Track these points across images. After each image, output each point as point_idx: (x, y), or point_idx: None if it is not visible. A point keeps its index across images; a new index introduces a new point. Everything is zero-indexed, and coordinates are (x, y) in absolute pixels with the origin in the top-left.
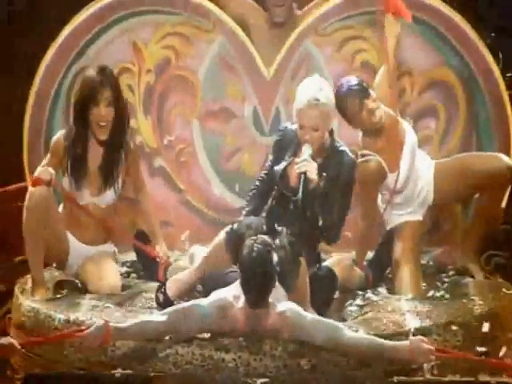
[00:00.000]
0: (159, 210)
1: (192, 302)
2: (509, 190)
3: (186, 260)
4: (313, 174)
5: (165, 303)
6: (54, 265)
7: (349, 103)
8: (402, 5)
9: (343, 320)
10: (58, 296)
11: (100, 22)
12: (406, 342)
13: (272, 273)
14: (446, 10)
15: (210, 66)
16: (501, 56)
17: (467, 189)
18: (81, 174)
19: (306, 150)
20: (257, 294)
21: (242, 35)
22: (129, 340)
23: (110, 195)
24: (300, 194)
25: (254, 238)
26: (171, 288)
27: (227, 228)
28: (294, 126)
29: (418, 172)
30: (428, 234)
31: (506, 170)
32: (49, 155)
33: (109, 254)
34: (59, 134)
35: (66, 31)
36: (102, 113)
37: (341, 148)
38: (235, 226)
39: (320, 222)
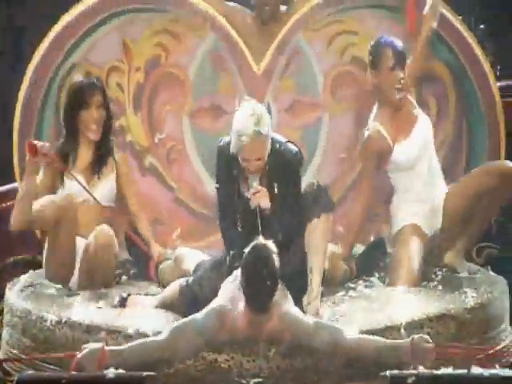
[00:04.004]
0: (151, 209)
1: (188, 317)
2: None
3: (173, 261)
4: (266, 203)
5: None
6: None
7: (384, 57)
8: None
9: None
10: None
11: (90, 20)
12: (407, 341)
13: (276, 274)
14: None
15: (200, 63)
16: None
17: (478, 205)
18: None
19: (253, 181)
20: (261, 298)
21: (232, 32)
22: (126, 363)
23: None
24: (259, 227)
25: (258, 242)
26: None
27: (182, 281)
28: (227, 139)
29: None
30: None
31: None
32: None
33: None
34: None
35: (57, 29)
36: (95, 115)
37: (280, 148)
38: (190, 281)
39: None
